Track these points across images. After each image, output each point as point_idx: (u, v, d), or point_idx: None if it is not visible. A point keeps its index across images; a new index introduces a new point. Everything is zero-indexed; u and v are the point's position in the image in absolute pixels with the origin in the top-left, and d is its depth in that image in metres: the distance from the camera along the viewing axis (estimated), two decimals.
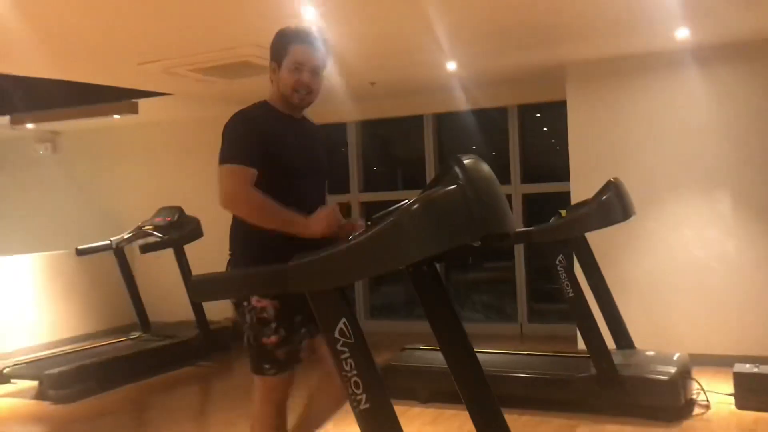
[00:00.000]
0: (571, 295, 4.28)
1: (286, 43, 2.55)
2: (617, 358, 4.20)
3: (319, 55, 2.56)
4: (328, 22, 4.11)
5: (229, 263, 2.60)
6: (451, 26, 4.42)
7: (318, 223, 2.36)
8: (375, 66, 5.55)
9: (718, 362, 4.86)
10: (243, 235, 2.53)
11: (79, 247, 6.41)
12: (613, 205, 4.10)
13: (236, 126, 2.49)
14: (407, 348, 5.09)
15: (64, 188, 8.43)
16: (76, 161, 8.43)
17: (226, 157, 2.43)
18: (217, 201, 2.43)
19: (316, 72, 2.56)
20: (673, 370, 4.06)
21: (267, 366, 2.50)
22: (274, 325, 2.47)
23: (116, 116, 7.00)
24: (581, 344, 4.63)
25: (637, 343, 4.54)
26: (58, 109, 6.88)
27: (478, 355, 2.29)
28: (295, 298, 2.24)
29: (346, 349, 2.07)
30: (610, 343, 4.39)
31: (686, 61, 5.26)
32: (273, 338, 2.48)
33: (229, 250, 2.60)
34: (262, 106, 2.60)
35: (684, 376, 4.15)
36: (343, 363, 2.07)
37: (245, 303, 2.49)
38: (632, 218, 4.18)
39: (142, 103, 6.60)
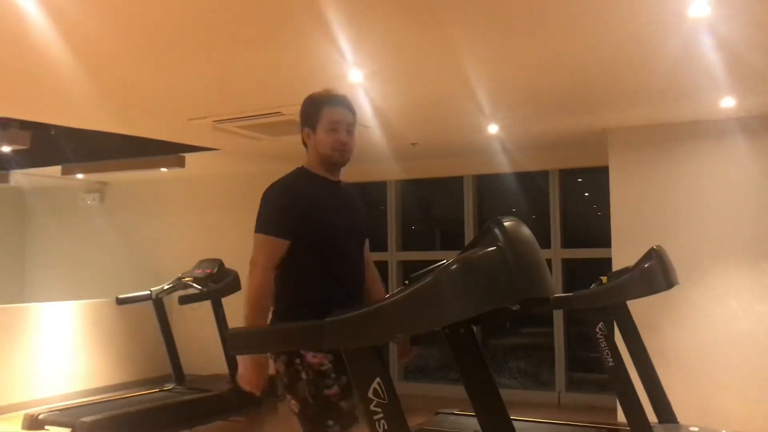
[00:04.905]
0: (611, 364, 4.16)
1: (318, 107, 2.64)
2: None
3: (351, 114, 2.67)
4: (373, 84, 4.20)
5: (270, 321, 2.60)
6: (493, 90, 4.48)
7: (244, 380, 2.57)
8: (417, 127, 5.62)
9: None
10: (288, 295, 2.54)
11: (120, 297, 6.51)
12: (655, 273, 4.00)
13: (274, 197, 2.55)
14: (441, 412, 4.99)
15: (108, 237, 8.61)
16: (121, 211, 8.63)
17: (260, 227, 2.53)
18: None
19: (350, 130, 2.66)
20: None
21: (331, 422, 2.45)
22: (334, 375, 2.45)
23: (163, 169, 7.19)
24: (621, 416, 4.49)
25: (680, 417, 4.37)
26: (107, 161, 7.10)
27: (514, 423, 2.22)
28: None
29: (379, 410, 2.03)
30: (651, 417, 4.24)
31: (732, 130, 5.21)
32: (335, 389, 2.45)
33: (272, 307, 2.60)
34: (300, 172, 2.66)
35: None
36: (376, 424, 2.03)
37: (297, 360, 2.47)
38: (675, 287, 4.08)
39: (189, 157, 6.77)
